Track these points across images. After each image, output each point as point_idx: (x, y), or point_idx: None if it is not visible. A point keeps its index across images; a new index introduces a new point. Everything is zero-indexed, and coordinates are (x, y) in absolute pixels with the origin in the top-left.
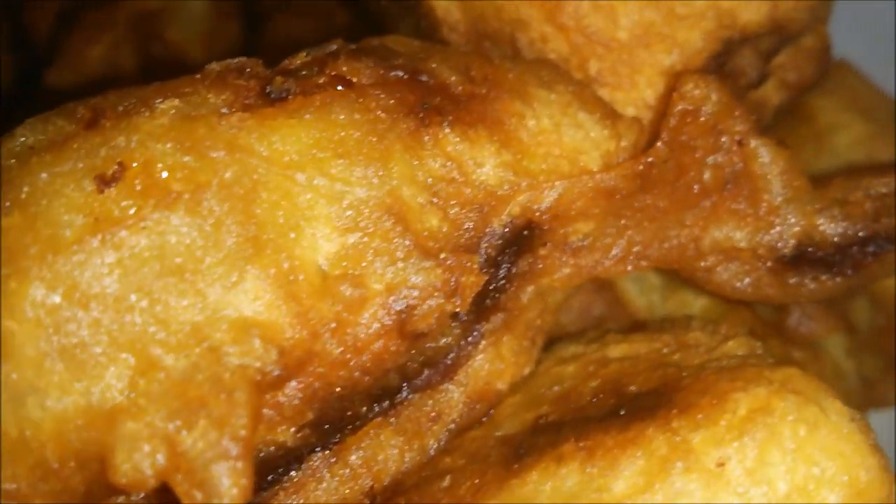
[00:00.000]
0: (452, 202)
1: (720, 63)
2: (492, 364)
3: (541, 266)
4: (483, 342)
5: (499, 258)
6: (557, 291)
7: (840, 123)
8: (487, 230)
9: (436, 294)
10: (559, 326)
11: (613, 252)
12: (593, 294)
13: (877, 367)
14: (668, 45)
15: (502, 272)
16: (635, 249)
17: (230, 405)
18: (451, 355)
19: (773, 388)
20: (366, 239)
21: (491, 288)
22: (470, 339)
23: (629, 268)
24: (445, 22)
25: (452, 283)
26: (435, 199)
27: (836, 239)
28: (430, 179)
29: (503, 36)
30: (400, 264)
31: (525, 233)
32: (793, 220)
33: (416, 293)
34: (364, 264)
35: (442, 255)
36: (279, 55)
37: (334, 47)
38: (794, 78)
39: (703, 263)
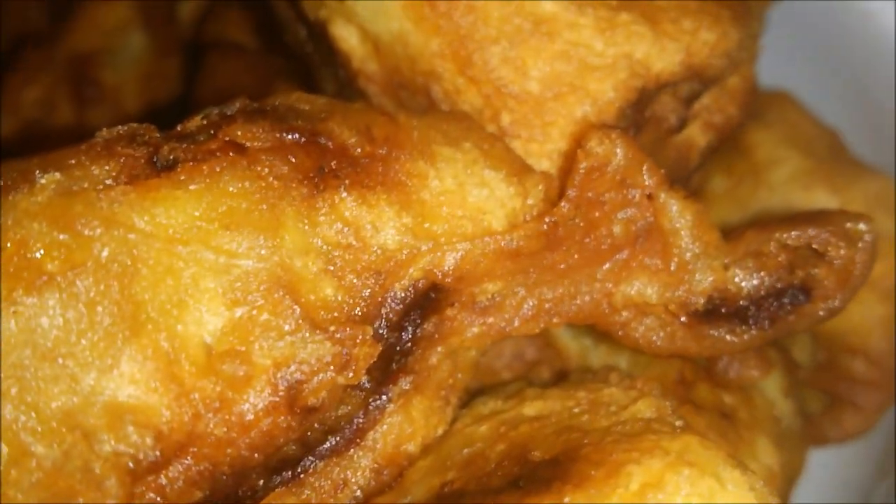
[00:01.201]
0: (349, 269)
1: (639, 110)
2: (401, 427)
3: (449, 326)
4: (391, 405)
5: (403, 322)
6: (470, 349)
7: (778, 158)
8: (388, 295)
9: (326, 368)
10: (491, 371)
11: (524, 310)
12: (525, 338)
13: (819, 405)
14: (579, 96)
15: (407, 335)
16: (547, 306)
17: (101, 495)
18: (358, 420)
19: (669, 461)
20: (254, 313)
21: (396, 351)
22: (376, 403)
23: (541, 325)
24: (362, 72)
25: (344, 356)
26: (330, 267)
27: (750, 292)
28: (325, 247)
29: (418, 87)
30: (289, 338)
31: (431, 294)
32: (702, 277)
33: (305, 368)
34: (251, 339)
35: (332, 328)
36: (216, 96)
37: (234, 108)
38: (719, 120)
39: (618, 319)
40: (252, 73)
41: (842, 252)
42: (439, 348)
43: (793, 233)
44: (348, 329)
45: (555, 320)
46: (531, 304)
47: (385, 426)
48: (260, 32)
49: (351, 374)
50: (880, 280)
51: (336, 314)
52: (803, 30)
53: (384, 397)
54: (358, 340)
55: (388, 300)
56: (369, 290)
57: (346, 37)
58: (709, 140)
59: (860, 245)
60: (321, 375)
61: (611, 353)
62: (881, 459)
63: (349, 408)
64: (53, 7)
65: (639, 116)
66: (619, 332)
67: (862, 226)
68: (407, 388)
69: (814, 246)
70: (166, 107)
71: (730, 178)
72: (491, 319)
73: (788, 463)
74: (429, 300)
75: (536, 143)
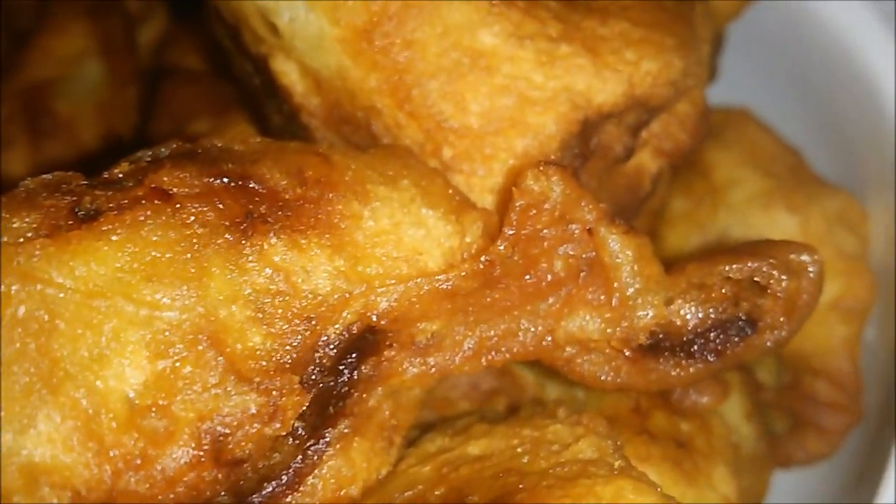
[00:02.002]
0: (279, 316)
1: (583, 141)
2: (341, 471)
3: (387, 368)
4: (330, 449)
5: (338, 365)
6: (413, 389)
7: (736, 179)
8: (321, 340)
9: (252, 420)
10: (447, 402)
11: (464, 348)
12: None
13: (785, 425)
14: (520, 130)
15: (344, 378)
16: (488, 344)
17: None
18: (296, 465)
19: None
20: (177, 365)
21: (333, 395)
22: (315, 447)
23: (483, 362)
24: (304, 107)
25: (271, 407)
26: (259, 315)
27: (695, 324)
28: (253, 294)
29: (360, 122)
30: (213, 391)
31: (367, 336)
32: (644, 312)
33: (229, 420)
34: (174, 393)
35: (257, 379)
36: (172, 125)
37: (165, 151)
38: (669, 146)
39: (562, 354)
40: (207, 102)
41: (783, 284)
42: (379, 389)
43: (734, 266)
44: (275, 379)
45: (497, 357)
46: (472, 342)
47: (324, 470)
48: (214, 61)
49: (278, 425)
50: (842, 300)
51: (264, 363)
52: (766, 47)
53: (322, 441)
54: (285, 390)
55: (321, 345)
56: (300, 337)
57: (287, 72)
58: (660, 166)
59: (805, 276)
60: (247, 427)
61: (567, 382)
62: (846, 480)
63: (281, 455)
64: (10, 37)
65: (584, 147)
66: (564, 368)
67: (805, 257)
68: (346, 431)
69: (755, 279)
70: (125, 137)
71: (689, 200)
72: (431, 359)
73: (751, 487)
74: (365, 342)
75: (479, 178)
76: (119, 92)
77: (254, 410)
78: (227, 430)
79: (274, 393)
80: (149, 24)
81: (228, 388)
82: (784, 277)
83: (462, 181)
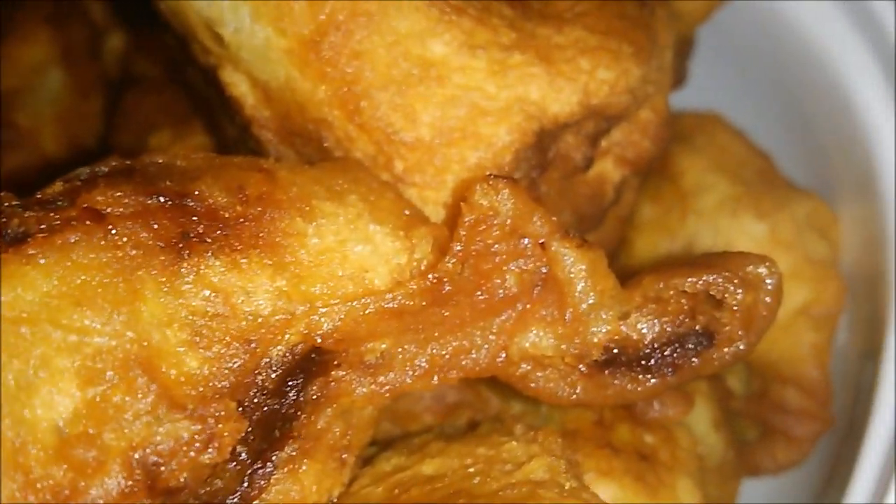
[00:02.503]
0: (216, 339)
1: (540, 151)
2: (290, 494)
3: (336, 388)
4: (277, 473)
5: (282, 387)
6: (365, 408)
7: (705, 185)
8: (263, 362)
9: (186, 448)
10: (411, 415)
11: (416, 366)
12: None
13: (755, 434)
14: (473, 141)
15: (289, 400)
16: (441, 362)
17: None
18: (242, 490)
19: None
20: (107, 393)
21: (278, 417)
22: (262, 471)
23: (436, 380)
24: (255, 119)
25: (206, 434)
26: (196, 338)
27: (652, 339)
28: (190, 317)
29: (311, 134)
30: (145, 419)
31: (313, 357)
32: (598, 327)
33: (162, 449)
34: (105, 421)
35: (191, 406)
36: (134, 136)
37: (103, 168)
38: (632, 154)
39: (516, 371)
40: (169, 112)
41: (739, 298)
42: (328, 410)
43: (689, 279)
44: (211, 406)
45: (450, 375)
46: (424, 360)
47: (272, 494)
48: (173, 71)
49: (214, 453)
50: (812, 307)
51: (200, 388)
52: (737, 51)
53: (269, 465)
54: (221, 416)
55: (263, 367)
56: (239, 360)
57: (237, 83)
58: (623, 175)
59: (763, 289)
60: (181, 455)
61: None
62: (815, 485)
63: (223, 482)
64: None
65: (541, 158)
66: (520, 385)
67: (763, 269)
68: (294, 453)
69: (711, 292)
70: (90, 146)
71: (658, 206)
72: (382, 378)
73: (719, 497)
74: (312, 363)
75: (432, 191)
76: (82, 101)
77: (186, 438)
78: (160, 459)
79: (209, 420)
80: (115, 32)
81: (160, 416)
82: (739, 291)
83: (415, 194)
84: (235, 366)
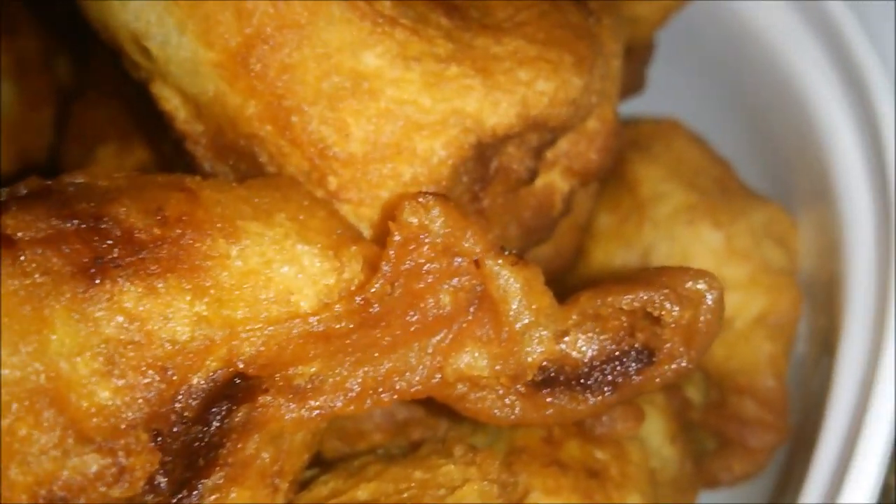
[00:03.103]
0: (131, 367)
1: (482, 164)
2: None
3: (264, 413)
4: (204, 501)
5: (205, 415)
6: (297, 432)
7: (662, 194)
8: (182, 390)
9: (95, 482)
10: (360, 433)
11: (348, 389)
12: None
13: (712, 444)
14: (407, 156)
15: (213, 427)
16: (374, 384)
17: None
18: None
19: None
20: (13, 426)
21: (202, 445)
22: (186, 500)
23: (369, 403)
24: (188, 134)
25: (117, 467)
26: (109, 368)
27: (591, 356)
28: (102, 346)
29: (243, 150)
30: (52, 453)
31: (237, 382)
32: (533, 347)
33: (70, 484)
34: (10, 456)
35: (100, 439)
36: (82, 149)
37: (20, 190)
38: (579, 165)
39: (453, 392)
40: (115, 124)
41: (675, 315)
42: (256, 436)
43: (626, 297)
44: (121, 439)
45: (384, 397)
46: (355, 382)
47: None
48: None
49: (126, 486)
50: (768, 316)
51: (112, 420)
52: (698, 56)
53: (195, 494)
54: (132, 449)
55: (182, 395)
56: (155, 389)
57: (168, 97)
58: (572, 185)
59: (703, 305)
60: (89, 491)
61: None
62: (769, 494)
63: None
64: None
65: (483, 170)
66: (457, 406)
67: (702, 285)
68: (221, 481)
69: (648, 310)
70: (40, 159)
71: (615, 215)
72: (312, 402)
73: None
74: (236, 388)
75: (367, 208)
76: (32, 113)
77: (95, 472)
78: (68, 494)
79: (120, 453)
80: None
81: (68, 450)
82: (676, 308)
83: (350, 211)
84: (151, 395)
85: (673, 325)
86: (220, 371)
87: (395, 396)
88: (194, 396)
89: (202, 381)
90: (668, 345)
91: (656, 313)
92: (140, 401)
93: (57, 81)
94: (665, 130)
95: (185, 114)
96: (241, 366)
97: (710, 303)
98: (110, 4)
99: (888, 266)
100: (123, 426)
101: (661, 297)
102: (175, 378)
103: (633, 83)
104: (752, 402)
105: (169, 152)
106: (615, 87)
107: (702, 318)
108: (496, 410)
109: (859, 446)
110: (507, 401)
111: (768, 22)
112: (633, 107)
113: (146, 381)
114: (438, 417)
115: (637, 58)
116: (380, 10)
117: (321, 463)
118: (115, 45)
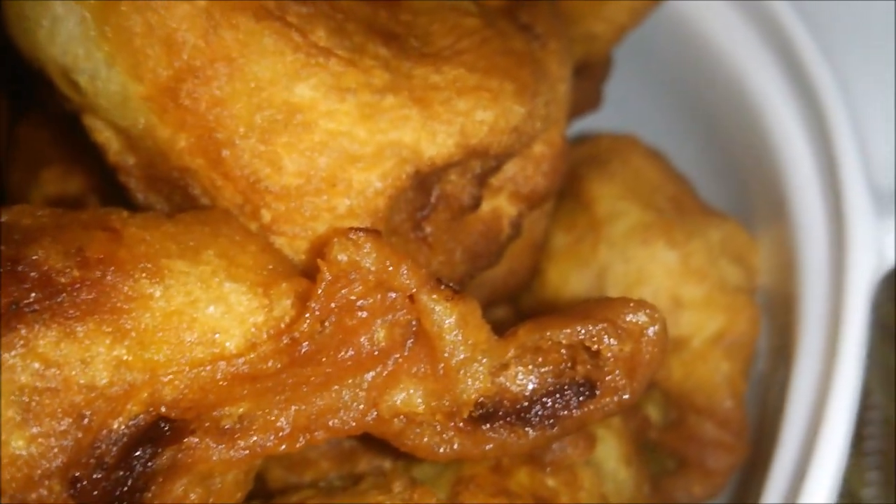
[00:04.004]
0: (47, 415)
1: (423, 192)
2: None
3: (191, 455)
4: None
5: (128, 459)
6: (227, 473)
7: (617, 212)
8: (101, 434)
9: None
10: (306, 462)
11: (278, 429)
12: None
13: (672, 464)
14: (343, 188)
15: (136, 472)
16: (306, 422)
17: None
18: None
19: None
20: None
21: (125, 490)
22: None
23: (301, 441)
24: (121, 166)
25: None
26: (24, 416)
27: (532, 390)
28: (16, 394)
29: (176, 182)
30: None
31: (161, 425)
32: (469, 383)
33: None
34: None
35: (12, 491)
36: (27, 170)
37: None
38: (526, 189)
39: (391, 428)
40: (60, 146)
41: (614, 349)
42: (184, 479)
43: (564, 330)
44: (36, 490)
45: (318, 435)
46: (286, 421)
47: None
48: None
49: None
50: (725, 335)
51: (26, 470)
52: (655, 72)
53: None
54: (46, 499)
55: (102, 441)
56: (72, 436)
57: (100, 129)
58: (520, 209)
59: (643, 337)
60: None
61: None
62: None
63: None
64: None
65: (424, 199)
66: (396, 442)
67: (642, 317)
68: None
69: (586, 344)
70: None
71: (571, 235)
72: (241, 442)
73: None
74: (160, 431)
75: (302, 241)
76: None
77: None
78: None
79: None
80: None
81: None
82: (614, 342)
83: (285, 243)
84: (67, 443)
85: (612, 359)
86: (141, 415)
87: (329, 434)
88: (115, 442)
89: (123, 427)
90: (609, 377)
91: (595, 347)
92: (55, 449)
93: (6, 103)
94: (623, 146)
95: (118, 146)
96: (164, 409)
97: (650, 335)
98: (38, 38)
99: (841, 280)
100: (37, 476)
101: (601, 332)
102: (93, 424)
103: (589, 100)
104: (711, 423)
105: (108, 181)
106: (562, 110)
107: (643, 350)
108: (435, 446)
109: (813, 461)
110: (445, 436)
111: (725, 39)
112: (590, 123)
113: (62, 428)
114: (386, 446)
115: (594, 75)
116: (314, 42)
117: (264, 493)
118: (44, 75)
